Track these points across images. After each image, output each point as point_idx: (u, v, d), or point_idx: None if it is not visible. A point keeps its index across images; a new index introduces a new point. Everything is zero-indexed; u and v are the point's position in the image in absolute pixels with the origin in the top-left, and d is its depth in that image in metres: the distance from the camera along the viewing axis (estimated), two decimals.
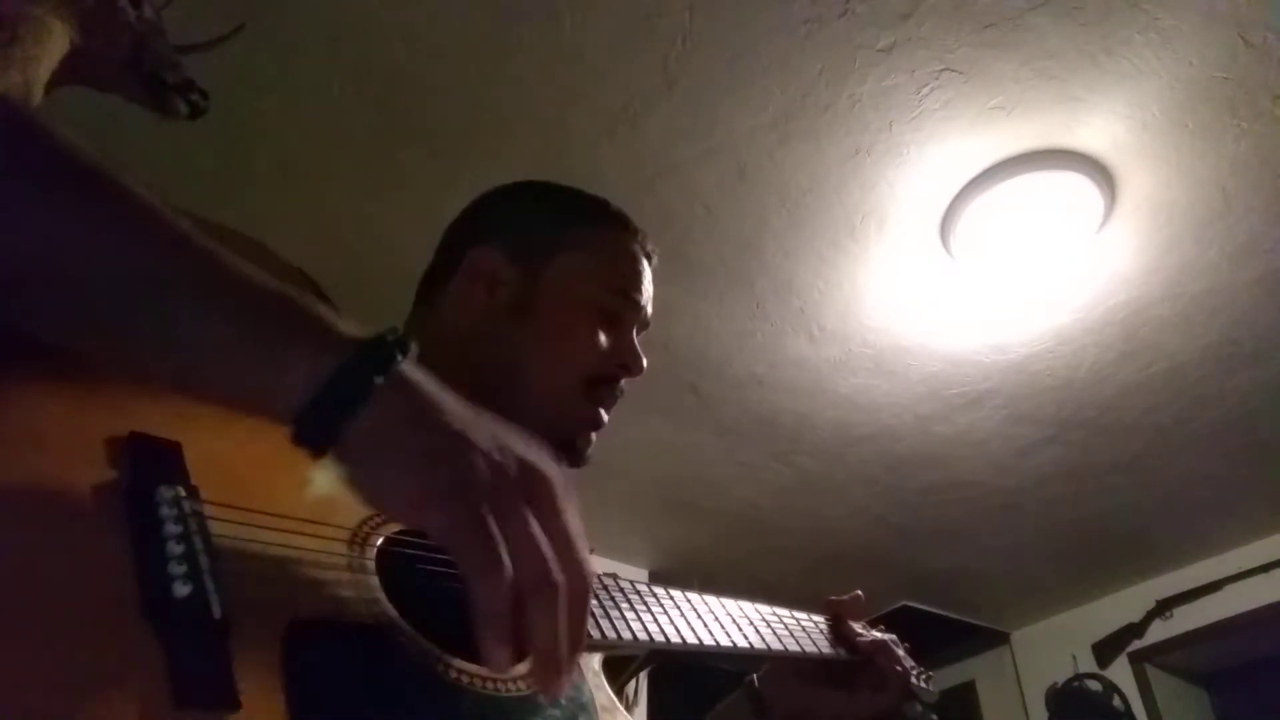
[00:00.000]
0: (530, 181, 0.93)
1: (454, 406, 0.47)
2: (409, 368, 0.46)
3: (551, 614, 0.44)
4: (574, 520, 0.47)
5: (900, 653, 1.00)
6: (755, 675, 0.98)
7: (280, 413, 0.44)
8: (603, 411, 0.82)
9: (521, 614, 0.43)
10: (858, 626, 1.01)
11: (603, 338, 0.82)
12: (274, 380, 0.45)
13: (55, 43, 1.07)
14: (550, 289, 0.82)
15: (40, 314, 0.45)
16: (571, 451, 0.79)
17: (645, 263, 0.89)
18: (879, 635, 1.01)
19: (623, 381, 0.84)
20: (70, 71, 1.11)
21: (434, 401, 0.46)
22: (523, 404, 0.72)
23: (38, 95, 1.05)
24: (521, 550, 0.44)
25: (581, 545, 0.46)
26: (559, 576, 0.44)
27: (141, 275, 0.44)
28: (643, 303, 0.87)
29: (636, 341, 0.85)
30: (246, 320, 0.45)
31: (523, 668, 0.56)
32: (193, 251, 0.46)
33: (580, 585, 0.46)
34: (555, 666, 0.44)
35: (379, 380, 0.44)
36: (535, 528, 0.45)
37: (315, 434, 0.44)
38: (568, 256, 0.84)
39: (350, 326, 0.47)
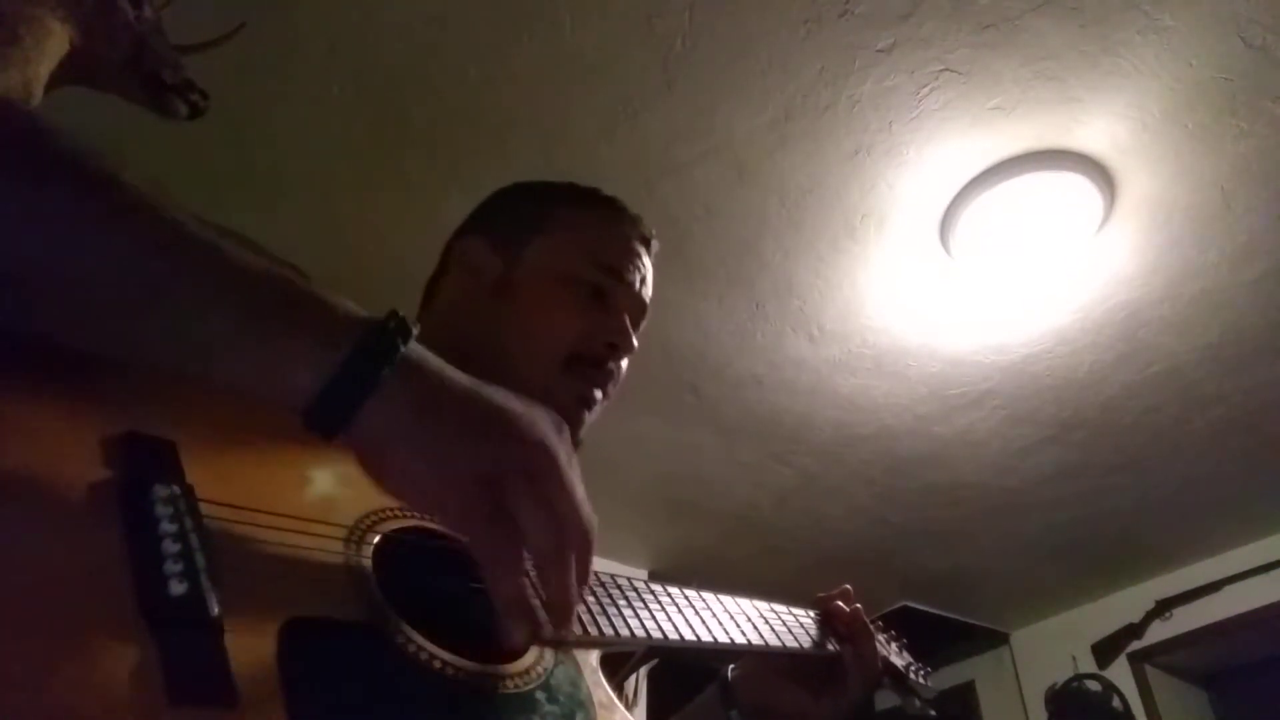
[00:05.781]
0: (524, 181, 0.93)
1: (459, 383, 0.49)
2: (415, 349, 0.48)
3: (564, 576, 0.48)
4: (577, 484, 0.50)
5: (880, 638, 0.97)
6: (730, 668, 0.95)
7: (290, 402, 0.45)
8: (594, 390, 0.78)
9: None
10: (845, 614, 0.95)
11: (586, 314, 0.79)
12: (282, 371, 0.45)
13: (55, 43, 1.07)
14: (531, 266, 0.82)
15: (41, 312, 0.45)
16: None
17: (639, 245, 0.86)
18: (861, 619, 0.95)
19: (619, 362, 0.81)
20: (70, 71, 1.11)
21: (440, 382, 0.48)
22: (508, 382, 0.71)
23: (38, 95, 1.05)
24: (532, 527, 0.47)
25: (583, 505, 0.50)
26: (568, 545, 0.48)
27: (142, 271, 0.44)
28: (632, 281, 0.84)
29: (629, 324, 0.82)
30: (251, 311, 0.46)
31: (523, 662, 0.57)
32: (193, 245, 0.46)
33: (584, 548, 0.50)
34: (567, 614, 0.50)
35: (386, 370, 0.46)
36: (542, 504, 0.48)
37: (325, 422, 0.45)
38: (549, 237, 0.83)
39: (354, 310, 0.48)
